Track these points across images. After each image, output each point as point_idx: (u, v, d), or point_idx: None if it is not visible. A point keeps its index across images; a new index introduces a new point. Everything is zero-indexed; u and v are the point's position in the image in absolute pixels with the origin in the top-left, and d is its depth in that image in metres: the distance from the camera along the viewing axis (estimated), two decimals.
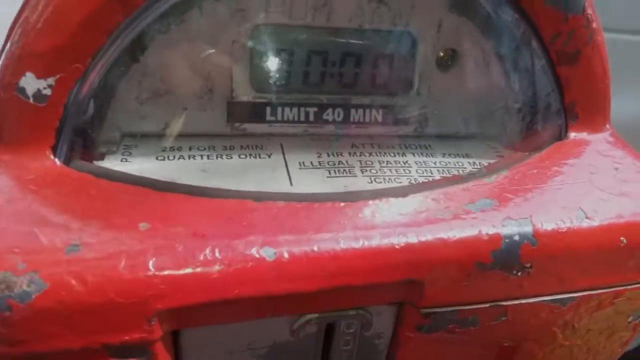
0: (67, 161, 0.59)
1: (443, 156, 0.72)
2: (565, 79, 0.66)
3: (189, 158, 0.64)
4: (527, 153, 0.70)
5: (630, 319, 0.66)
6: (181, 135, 0.67)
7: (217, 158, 0.65)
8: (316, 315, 0.57)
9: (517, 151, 0.74)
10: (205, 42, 0.61)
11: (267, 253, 0.51)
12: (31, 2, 0.54)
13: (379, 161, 0.69)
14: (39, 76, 0.53)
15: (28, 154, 0.56)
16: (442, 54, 0.68)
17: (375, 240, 0.54)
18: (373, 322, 0.59)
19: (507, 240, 0.57)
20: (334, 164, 0.67)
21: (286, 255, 0.51)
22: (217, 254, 0.50)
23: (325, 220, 0.55)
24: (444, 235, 0.55)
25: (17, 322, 0.46)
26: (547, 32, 0.64)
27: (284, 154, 0.67)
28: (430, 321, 0.58)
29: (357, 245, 0.53)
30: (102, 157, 0.62)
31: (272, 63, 0.64)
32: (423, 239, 0.55)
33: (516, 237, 0.57)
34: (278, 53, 0.64)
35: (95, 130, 0.62)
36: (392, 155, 0.70)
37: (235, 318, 0.54)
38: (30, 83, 0.53)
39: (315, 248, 0.52)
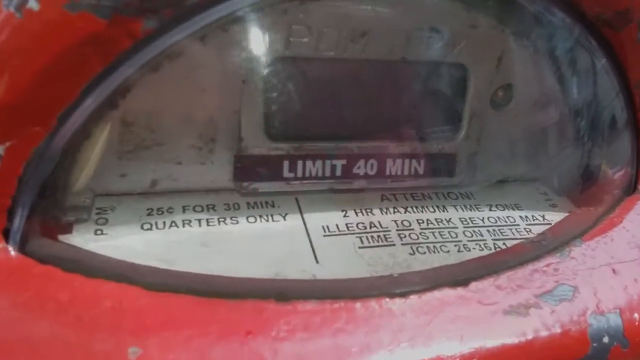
0: (23, 239, 0.44)
1: (490, 209, 0.60)
2: None
3: (184, 225, 0.50)
4: (593, 209, 0.58)
5: None
6: (172, 192, 0.52)
7: (219, 223, 0.51)
8: None
9: (572, 199, 0.63)
10: (207, 81, 0.46)
11: None
12: None
13: (417, 220, 0.56)
14: None
15: None
16: (499, 91, 0.55)
17: (436, 353, 0.42)
18: None
19: (595, 345, 0.45)
20: (365, 228, 0.54)
21: None
22: None
23: (371, 330, 0.42)
24: (520, 340, 0.44)
25: None
26: (635, 72, 0.51)
27: (301, 213, 0.54)
28: None
29: None
30: (69, 229, 0.48)
31: (293, 105, 0.50)
32: (496, 345, 0.43)
33: (605, 339, 0.46)
34: (300, 93, 0.49)
35: (60, 194, 0.47)
36: (432, 210, 0.58)
37: None
38: None
39: None
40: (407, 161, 0.55)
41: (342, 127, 0.53)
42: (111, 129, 0.46)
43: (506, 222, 0.58)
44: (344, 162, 0.53)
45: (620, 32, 0.49)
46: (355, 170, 0.54)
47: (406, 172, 0.56)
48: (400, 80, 0.52)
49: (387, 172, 0.55)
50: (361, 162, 0.54)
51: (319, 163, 0.53)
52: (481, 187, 0.62)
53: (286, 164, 0.52)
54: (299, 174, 0.52)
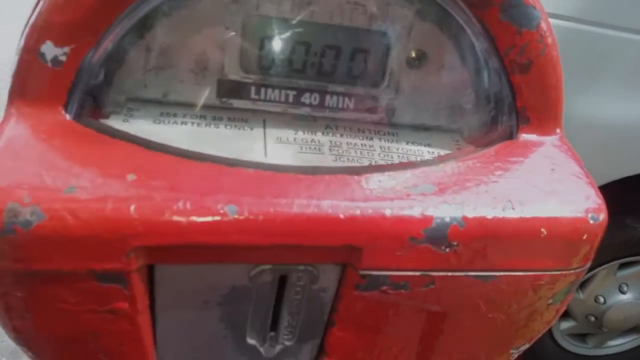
0: (77, 117, 0.69)
1: (406, 143, 0.81)
2: (517, 85, 0.75)
3: (182, 124, 0.75)
4: (478, 148, 0.78)
5: (550, 302, 0.76)
6: (178, 104, 0.77)
7: (205, 127, 0.75)
8: (269, 266, 0.67)
9: (475, 146, 0.83)
10: (202, 26, 0.71)
11: (230, 210, 0.62)
12: None
13: (347, 143, 0.78)
14: (56, 44, 0.64)
15: (44, 109, 0.67)
16: (413, 55, 0.77)
17: (324, 209, 0.64)
18: (319, 278, 0.70)
19: (438, 221, 0.66)
20: (307, 142, 0.76)
21: (246, 213, 0.62)
22: (187, 206, 0.61)
23: (284, 188, 0.65)
24: (383, 211, 0.65)
25: (19, 243, 0.57)
26: (502, 43, 0.72)
27: (265, 128, 0.77)
28: (366, 281, 0.68)
29: (308, 211, 0.64)
30: (107, 117, 0.73)
31: (259, 49, 0.74)
32: (365, 213, 0.65)
33: (447, 219, 0.66)
34: (265, 41, 0.73)
35: (104, 93, 0.73)
36: (361, 138, 0.79)
37: (200, 260, 0.65)
38: (50, 50, 0.64)
39: (272, 209, 0.63)
40: (340, 98, 0.78)
41: (295, 68, 0.76)
42: (140, 53, 0.71)
43: (415, 153, 0.80)
44: (294, 92, 0.77)
45: (485, 11, 0.70)
46: (302, 100, 0.77)
47: (340, 106, 0.78)
48: (340, 39, 0.75)
49: (326, 104, 0.78)
50: (307, 94, 0.77)
51: (276, 91, 0.76)
52: (405, 128, 0.83)
53: (253, 88, 0.76)
54: (262, 97, 0.76)
